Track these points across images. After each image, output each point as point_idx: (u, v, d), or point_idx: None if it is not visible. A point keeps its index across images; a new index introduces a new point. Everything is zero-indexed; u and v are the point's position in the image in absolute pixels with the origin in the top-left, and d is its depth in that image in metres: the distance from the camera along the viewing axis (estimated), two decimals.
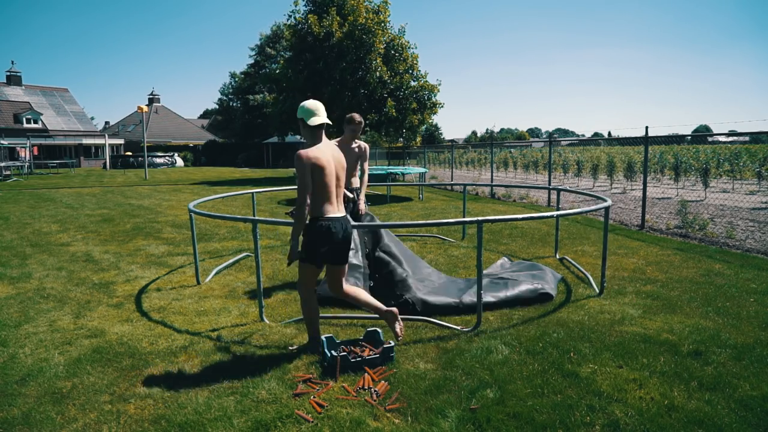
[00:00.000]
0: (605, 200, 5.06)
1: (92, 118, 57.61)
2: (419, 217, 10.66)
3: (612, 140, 22.01)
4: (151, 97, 58.57)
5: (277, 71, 25.14)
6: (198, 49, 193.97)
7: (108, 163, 41.43)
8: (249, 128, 47.94)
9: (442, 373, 3.25)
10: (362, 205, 5.16)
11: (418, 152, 29.12)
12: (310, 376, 3.21)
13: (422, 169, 17.51)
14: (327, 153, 3.37)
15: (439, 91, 24.12)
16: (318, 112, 3.39)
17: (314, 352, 3.51)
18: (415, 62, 23.78)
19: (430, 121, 26.86)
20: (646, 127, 8.71)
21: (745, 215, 10.27)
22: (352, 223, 3.89)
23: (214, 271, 5.88)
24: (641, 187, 9.38)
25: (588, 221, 9.59)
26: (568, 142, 32.36)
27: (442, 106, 24.67)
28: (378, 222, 5.30)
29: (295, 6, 24.05)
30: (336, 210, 3.40)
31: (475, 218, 4.01)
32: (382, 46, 22.64)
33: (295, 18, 23.86)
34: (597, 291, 4.96)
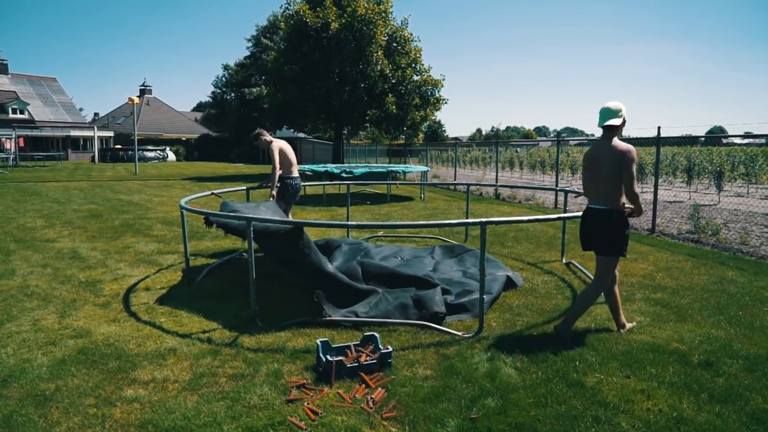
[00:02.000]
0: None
1: (81, 110, 57.58)
2: (420, 218, 10.67)
3: (625, 141, 22.00)
4: (142, 88, 58.55)
5: (270, 63, 25.12)
6: (192, 39, 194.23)
7: (97, 157, 41.43)
8: (244, 122, 47.83)
9: (441, 380, 3.25)
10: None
11: (420, 150, 29.10)
12: (304, 381, 3.21)
13: (424, 168, 17.51)
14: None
15: (442, 86, 24.15)
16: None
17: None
18: (418, 56, 23.78)
19: (433, 117, 26.87)
20: (659, 128, 8.72)
21: (760, 221, 10.27)
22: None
23: (205, 271, 5.88)
24: (652, 190, 9.38)
25: None
26: (577, 141, 32.38)
27: (445, 102, 24.68)
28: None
29: None
30: None
31: (478, 219, 4.01)
32: (383, 38, 22.64)
33: (291, 8, 23.86)
34: (604, 298, 4.95)
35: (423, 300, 4.41)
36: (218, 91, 52.99)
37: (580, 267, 6.11)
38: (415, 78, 23.79)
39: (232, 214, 4.91)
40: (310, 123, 27.59)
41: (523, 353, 3.64)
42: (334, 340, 3.82)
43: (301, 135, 38.99)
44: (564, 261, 6.51)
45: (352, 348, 3.49)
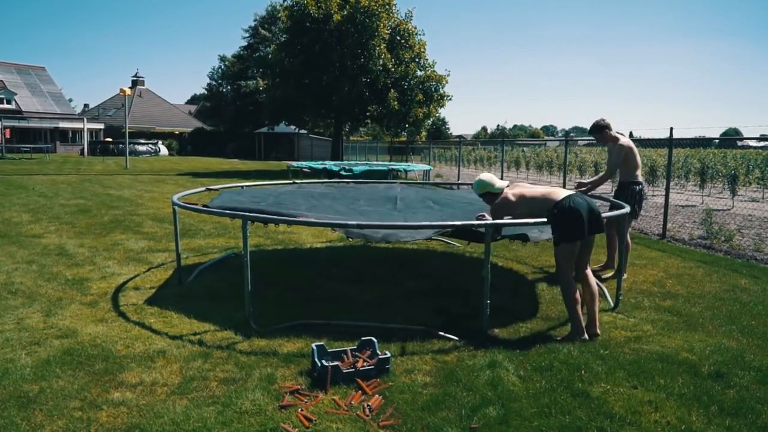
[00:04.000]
0: (624, 206, 5.06)
1: (70, 100, 57.62)
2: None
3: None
4: (134, 79, 58.56)
5: (270, 56, 25.16)
6: (187, 29, 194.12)
7: (86, 150, 41.43)
8: (240, 116, 47.88)
9: (441, 388, 3.25)
10: None
11: (423, 148, 29.14)
12: (298, 387, 3.21)
13: (426, 167, 17.52)
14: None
15: (447, 82, 24.16)
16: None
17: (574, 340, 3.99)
18: (422, 50, 23.78)
19: (437, 114, 26.87)
20: (671, 128, 8.72)
21: None
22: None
23: (197, 270, 5.88)
24: (663, 193, 9.39)
25: None
26: (586, 141, 32.34)
27: (450, 99, 24.68)
28: None
29: None
30: None
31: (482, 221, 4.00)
32: (386, 31, 22.63)
33: None
34: (612, 304, 4.96)
35: None
36: (214, 83, 53.03)
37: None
38: (419, 73, 23.79)
39: (226, 211, 4.89)
40: (310, 118, 27.61)
41: (526, 361, 3.64)
42: (330, 345, 3.82)
43: (300, 131, 38.99)
44: None
45: (349, 353, 3.50)
